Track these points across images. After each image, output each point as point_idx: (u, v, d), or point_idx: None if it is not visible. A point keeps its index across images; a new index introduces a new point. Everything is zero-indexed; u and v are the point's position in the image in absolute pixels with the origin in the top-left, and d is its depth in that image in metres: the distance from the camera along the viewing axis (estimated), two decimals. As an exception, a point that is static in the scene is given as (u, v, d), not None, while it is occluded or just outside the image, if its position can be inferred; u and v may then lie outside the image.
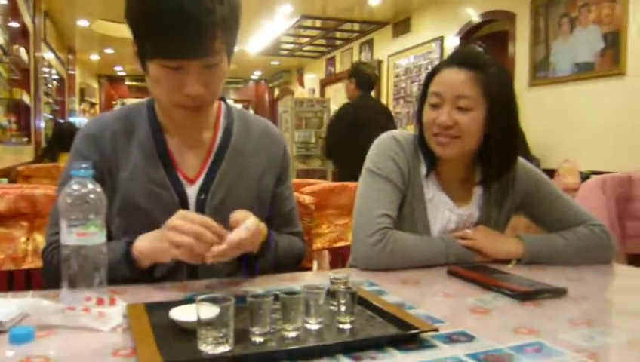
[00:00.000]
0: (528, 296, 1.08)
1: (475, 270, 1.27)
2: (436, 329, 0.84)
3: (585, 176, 3.82)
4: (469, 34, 6.29)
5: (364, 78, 4.48)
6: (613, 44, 4.30)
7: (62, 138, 5.28)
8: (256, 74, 14.76)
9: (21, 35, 6.24)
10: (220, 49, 1.11)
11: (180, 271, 1.22)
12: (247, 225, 1.09)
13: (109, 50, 11.29)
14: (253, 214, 1.15)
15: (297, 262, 1.40)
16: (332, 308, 0.92)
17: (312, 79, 11.77)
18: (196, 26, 1.04)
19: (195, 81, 1.11)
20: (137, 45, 1.14)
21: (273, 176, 1.36)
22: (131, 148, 1.24)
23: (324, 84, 10.97)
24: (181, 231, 1.04)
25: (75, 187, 0.90)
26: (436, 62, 1.52)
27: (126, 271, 1.11)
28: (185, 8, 1.02)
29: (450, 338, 0.84)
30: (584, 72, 4.58)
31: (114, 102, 14.06)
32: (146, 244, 1.10)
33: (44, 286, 1.22)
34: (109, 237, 1.04)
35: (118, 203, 1.22)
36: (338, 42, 9.79)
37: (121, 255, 1.11)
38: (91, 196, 0.90)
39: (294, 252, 1.37)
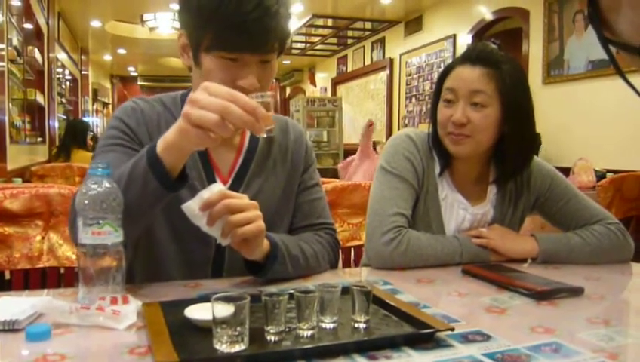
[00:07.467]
0: (545, 295, 1.07)
1: (490, 269, 1.26)
2: (452, 329, 0.83)
3: (600, 175, 3.79)
4: (482, 32, 6.26)
5: None
6: (629, 40, 4.24)
7: (75, 135, 5.33)
8: (268, 73, 14.74)
9: (35, 37, 6.30)
10: (276, 48, 1.13)
11: (204, 270, 1.22)
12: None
13: (121, 51, 11.37)
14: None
15: (331, 261, 1.32)
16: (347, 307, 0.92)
17: (323, 78, 11.77)
18: (268, 21, 1.07)
19: (250, 74, 1.11)
20: (193, 37, 1.13)
21: (299, 174, 1.35)
22: None
23: (335, 83, 10.96)
24: (201, 105, 0.89)
25: (92, 186, 0.90)
26: (449, 61, 1.50)
27: (153, 186, 0.97)
28: (261, 5, 1.05)
29: (466, 338, 0.83)
30: (599, 69, 4.53)
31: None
32: (170, 132, 0.97)
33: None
34: None
35: None
36: (350, 41, 9.78)
37: (147, 164, 0.97)
38: (107, 195, 0.90)
39: (318, 253, 1.26)
